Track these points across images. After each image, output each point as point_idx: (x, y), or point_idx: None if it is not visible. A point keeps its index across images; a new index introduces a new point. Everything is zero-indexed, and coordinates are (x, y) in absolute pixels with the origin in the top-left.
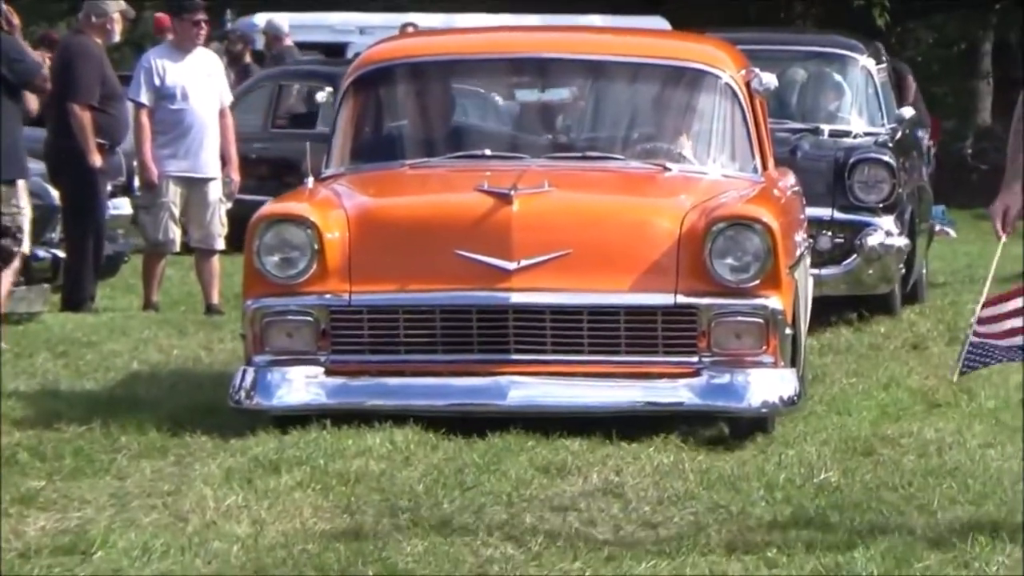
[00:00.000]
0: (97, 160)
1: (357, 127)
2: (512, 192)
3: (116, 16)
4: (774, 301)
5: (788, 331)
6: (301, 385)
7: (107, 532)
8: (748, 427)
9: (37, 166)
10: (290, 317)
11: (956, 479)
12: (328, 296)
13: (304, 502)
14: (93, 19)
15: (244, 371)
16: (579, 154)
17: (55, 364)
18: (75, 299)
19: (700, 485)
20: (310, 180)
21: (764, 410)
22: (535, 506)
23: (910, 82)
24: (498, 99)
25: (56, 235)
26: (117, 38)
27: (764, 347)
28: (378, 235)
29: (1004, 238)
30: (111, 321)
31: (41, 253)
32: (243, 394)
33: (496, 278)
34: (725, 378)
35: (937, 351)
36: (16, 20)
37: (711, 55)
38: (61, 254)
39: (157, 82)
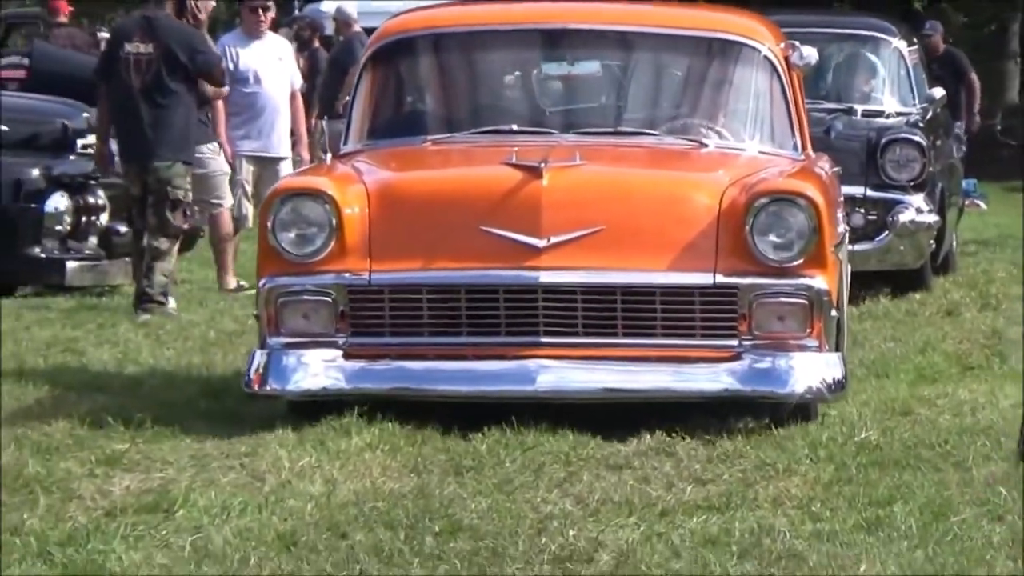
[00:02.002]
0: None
1: (377, 102)
2: (542, 165)
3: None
4: (819, 281)
5: (833, 313)
6: (318, 369)
7: (188, 491)
8: (792, 415)
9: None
10: (307, 297)
11: (989, 437)
12: (347, 275)
13: (373, 462)
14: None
15: (257, 354)
16: (611, 129)
17: (136, 334)
18: None
19: (747, 444)
20: (328, 156)
21: (808, 396)
22: (591, 465)
23: (971, 79)
24: (524, 72)
25: None
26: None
27: (808, 330)
28: (400, 211)
29: None
30: (188, 292)
31: (122, 228)
32: (255, 379)
33: (525, 255)
34: (767, 363)
35: (970, 316)
36: (203, 16)
37: (749, 27)
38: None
39: (230, 67)
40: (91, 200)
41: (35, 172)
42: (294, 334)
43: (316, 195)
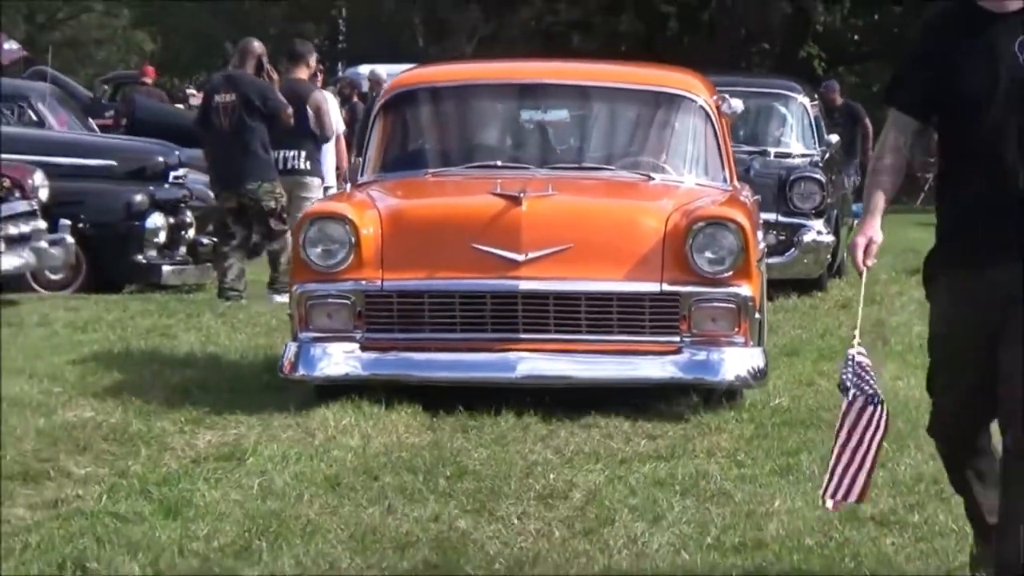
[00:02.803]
0: None
1: (387, 141)
2: (521, 195)
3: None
4: (745, 289)
5: (757, 315)
6: (340, 359)
7: (255, 444)
8: (721, 397)
9: (202, 177)
10: (330, 300)
11: None
12: (363, 282)
13: (398, 422)
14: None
15: (290, 346)
16: (576, 165)
17: (216, 321)
18: None
19: (689, 409)
20: (348, 185)
21: (737, 383)
22: (567, 425)
23: (866, 124)
24: (506, 118)
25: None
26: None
27: (736, 329)
28: (406, 231)
29: (865, 270)
30: (257, 291)
31: (205, 241)
32: (289, 366)
33: (507, 268)
34: (703, 355)
35: (858, 310)
36: (276, 75)
37: (687, 82)
38: None
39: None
40: (181, 219)
41: (139, 197)
42: (319, 330)
43: (338, 218)
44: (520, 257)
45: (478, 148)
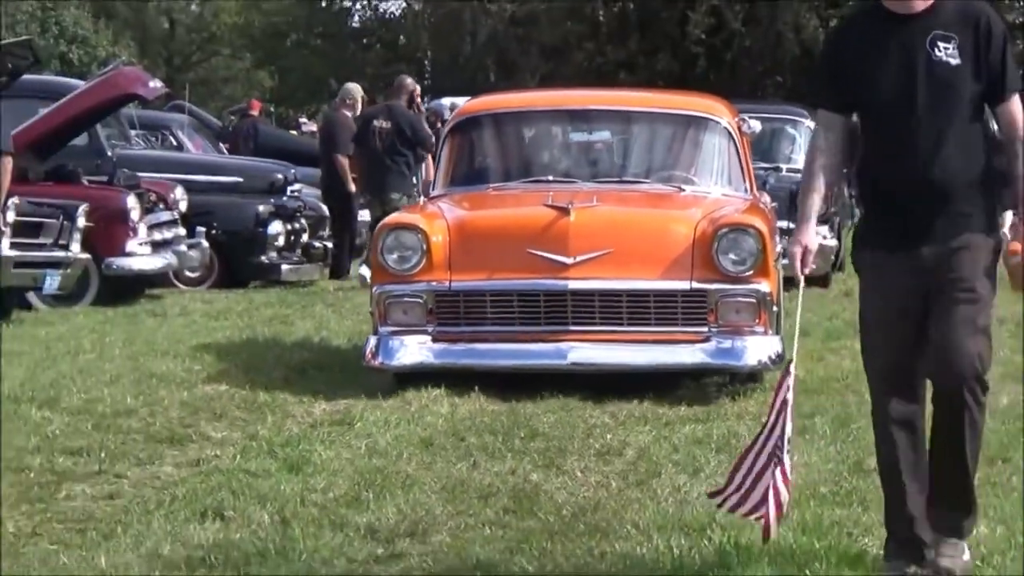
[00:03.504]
0: (352, 188)
1: (455, 160)
2: (570, 206)
3: (358, 97)
4: (764, 286)
5: (775, 308)
6: (414, 349)
7: (362, 412)
8: (745, 379)
9: (313, 191)
10: (405, 299)
11: None
12: (434, 283)
13: (480, 395)
14: (347, 100)
15: (371, 339)
16: (617, 179)
17: (327, 311)
18: (337, 272)
19: (719, 382)
20: (422, 199)
21: (758, 367)
22: (618, 397)
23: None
24: (557, 139)
25: (326, 232)
26: (359, 111)
27: (757, 320)
28: (470, 238)
29: (802, 277)
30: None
31: (316, 244)
32: (370, 356)
33: (558, 269)
34: (728, 343)
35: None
36: (423, 109)
37: (713, 107)
38: (329, 244)
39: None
40: (297, 226)
41: (262, 208)
42: (396, 324)
43: (412, 228)
44: (569, 260)
45: (533, 165)
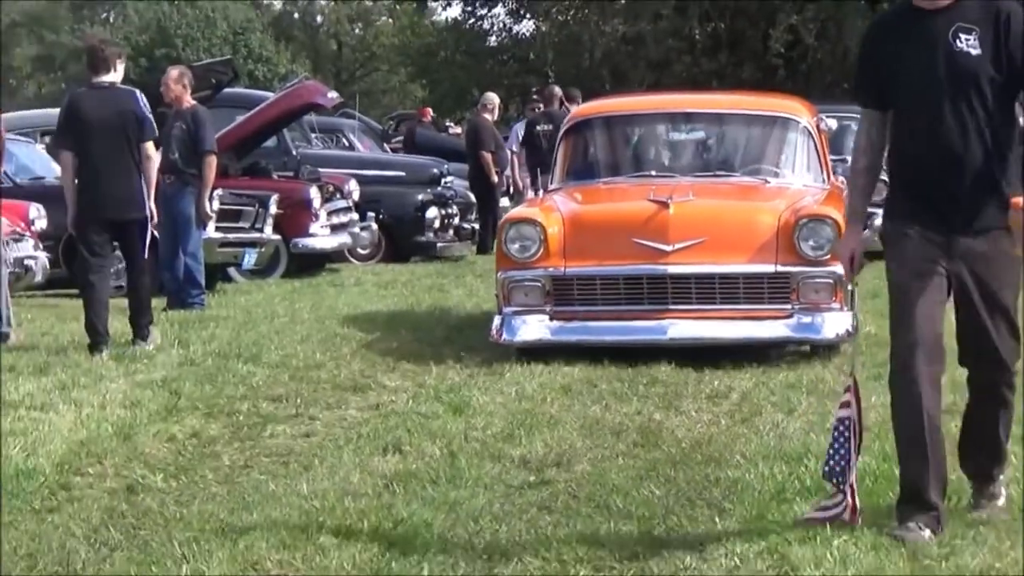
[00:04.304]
0: (494, 179)
1: (570, 157)
2: (669, 200)
3: (496, 103)
4: (840, 269)
5: (849, 287)
6: (534, 327)
7: (511, 364)
8: (824, 350)
9: (462, 182)
10: (526, 283)
11: None
12: (551, 269)
13: (558, 370)
14: (487, 106)
15: (496, 318)
16: (711, 173)
17: (475, 280)
18: (483, 248)
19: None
20: (541, 192)
21: (835, 339)
22: (725, 352)
23: None
24: (659, 137)
25: (473, 216)
26: (496, 116)
27: (834, 298)
28: (583, 229)
29: (851, 284)
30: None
31: (465, 225)
32: (496, 333)
33: (659, 256)
34: (809, 319)
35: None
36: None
37: (794, 107)
38: (476, 226)
39: (520, 139)
40: (450, 211)
41: (420, 196)
42: (518, 305)
43: (531, 222)
44: (668, 248)
45: (637, 161)
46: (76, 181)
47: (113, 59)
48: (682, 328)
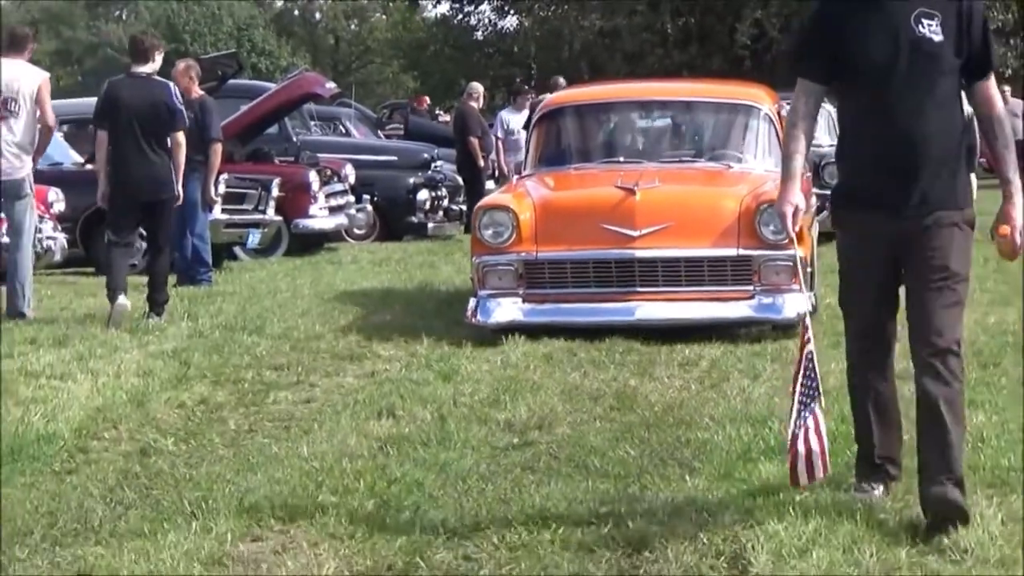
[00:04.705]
0: (481, 163)
1: (542, 144)
2: (635, 187)
3: (481, 92)
4: (799, 252)
5: (808, 269)
6: (508, 309)
7: (506, 338)
8: (785, 329)
9: (450, 166)
10: (499, 267)
11: None
12: (523, 254)
13: (540, 341)
14: (472, 95)
15: (471, 300)
16: (676, 159)
17: (464, 258)
18: (469, 228)
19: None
20: (514, 178)
21: (795, 318)
22: (694, 329)
23: None
24: (626, 125)
25: (461, 198)
26: (482, 104)
27: (793, 280)
28: (554, 215)
29: (794, 234)
30: None
31: (454, 207)
32: (471, 315)
33: (626, 241)
34: (770, 300)
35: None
36: None
37: (756, 94)
38: (463, 207)
39: (505, 126)
40: (439, 193)
41: (412, 180)
42: (492, 288)
43: (504, 208)
44: (635, 233)
45: (606, 147)
46: (108, 161)
47: (152, 51)
48: (649, 309)
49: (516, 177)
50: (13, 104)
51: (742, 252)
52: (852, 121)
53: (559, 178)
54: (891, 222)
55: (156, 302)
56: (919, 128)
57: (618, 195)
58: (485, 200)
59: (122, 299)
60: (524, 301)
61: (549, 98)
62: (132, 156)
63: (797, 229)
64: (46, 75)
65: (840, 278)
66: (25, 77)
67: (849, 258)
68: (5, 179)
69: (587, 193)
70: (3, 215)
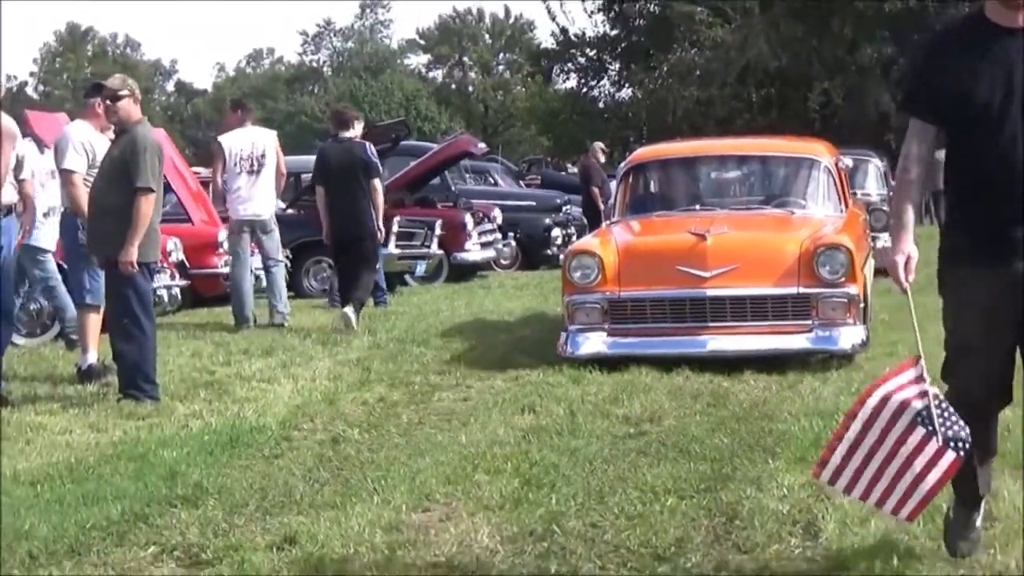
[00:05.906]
0: (601, 207)
1: (629, 194)
2: (707, 233)
3: (600, 150)
4: (853, 289)
5: (862, 305)
6: (594, 342)
7: (575, 363)
8: (840, 359)
9: (577, 209)
10: (587, 305)
11: None
12: (608, 293)
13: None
14: (595, 151)
15: (562, 335)
16: (744, 207)
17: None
18: None
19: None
20: (604, 224)
21: (850, 351)
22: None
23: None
24: (702, 176)
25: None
26: (603, 160)
27: (848, 315)
28: (635, 258)
29: (908, 286)
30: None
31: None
32: (561, 348)
33: (699, 281)
34: (827, 333)
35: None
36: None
37: (817, 149)
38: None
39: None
40: (569, 231)
41: (547, 220)
42: (580, 324)
43: (590, 253)
44: (707, 274)
45: (684, 196)
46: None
47: (352, 120)
48: (719, 342)
49: (605, 223)
50: (261, 160)
51: (802, 290)
52: (963, 163)
53: (641, 224)
54: (1010, 271)
55: (355, 300)
56: None
57: (692, 240)
58: (574, 245)
59: (348, 309)
60: (608, 335)
61: (634, 153)
62: (339, 203)
63: (912, 279)
64: (274, 133)
65: (952, 342)
66: (265, 138)
67: (967, 319)
68: (256, 219)
69: (664, 239)
70: (253, 244)
